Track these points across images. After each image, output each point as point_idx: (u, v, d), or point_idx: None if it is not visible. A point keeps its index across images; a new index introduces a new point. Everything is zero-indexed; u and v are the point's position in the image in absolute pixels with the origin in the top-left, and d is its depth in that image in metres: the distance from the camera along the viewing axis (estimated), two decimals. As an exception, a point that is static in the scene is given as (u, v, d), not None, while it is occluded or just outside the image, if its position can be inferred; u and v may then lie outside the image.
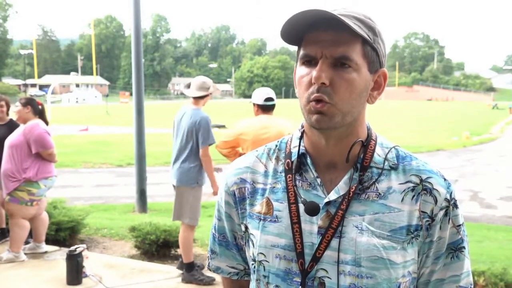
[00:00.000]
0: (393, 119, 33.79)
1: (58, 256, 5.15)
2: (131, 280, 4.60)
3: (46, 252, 5.26)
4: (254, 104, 4.21)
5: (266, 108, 4.16)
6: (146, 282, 4.55)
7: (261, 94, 4.21)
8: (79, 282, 4.44)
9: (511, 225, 8.46)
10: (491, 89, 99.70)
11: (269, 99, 4.17)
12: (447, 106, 61.59)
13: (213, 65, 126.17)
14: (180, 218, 4.55)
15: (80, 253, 4.48)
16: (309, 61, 1.03)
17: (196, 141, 4.41)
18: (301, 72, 1.05)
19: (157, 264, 5.05)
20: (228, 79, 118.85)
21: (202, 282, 4.45)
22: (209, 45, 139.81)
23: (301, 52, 1.05)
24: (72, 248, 4.57)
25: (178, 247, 5.28)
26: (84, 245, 4.79)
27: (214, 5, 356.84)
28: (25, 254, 5.09)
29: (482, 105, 64.93)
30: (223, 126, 26.21)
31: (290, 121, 4.22)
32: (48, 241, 5.44)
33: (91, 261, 4.81)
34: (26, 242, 5.22)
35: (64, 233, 5.63)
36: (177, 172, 4.49)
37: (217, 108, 43.27)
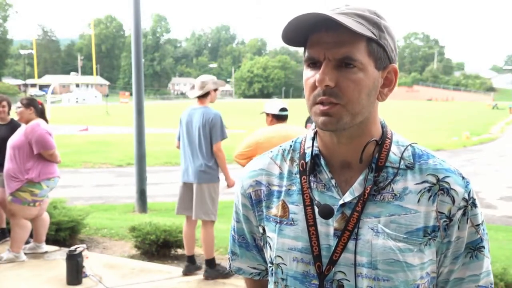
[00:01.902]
0: (393, 119, 33.79)
1: (58, 256, 5.15)
2: (131, 280, 4.60)
3: (46, 252, 5.26)
4: (267, 114, 4.27)
5: (281, 118, 4.24)
6: (146, 282, 4.55)
7: (275, 104, 4.32)
8: (79, 282, 4.44)
9: (511, 225, 8.46)
10: (491, 89, 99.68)
11: (284, 109, 4.26)
12: (447, 106, 61.60)
13: (213, 65, 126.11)
14: (201, 215, 4.62)
15: (80, 253, 4.48)
16: (314, 63, 1.02)
17: (210, 138, 4.55)
18: (307, 74, 1.03)
19: (157, 264, 5.05)
20: (228, 79, 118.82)
21: (227, 275, 4.59)
22: (209, 45, 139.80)
23: (306, 55, 1.03)
24: (72, 248, 4.57)
25: (178, 247, 5.29)
26: (84, 245, 4.79)
27: (214, 5, 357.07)
28: (25, 254, 5.09)
29: (482, 105, 64.92)
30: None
31: (303, 129, 4.30)
32: (48, 241, 5.44)
33: (91, 261, 4.82)
34: (27, 242, 5.22)
35: (64, 233, 5.63)
36: (197, 170, 4.58)
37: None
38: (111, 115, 38.61)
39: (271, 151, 1.20)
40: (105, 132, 25.17)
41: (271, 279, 1.15)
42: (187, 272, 4.69)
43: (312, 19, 0.97)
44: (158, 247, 5.26)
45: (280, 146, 1.20)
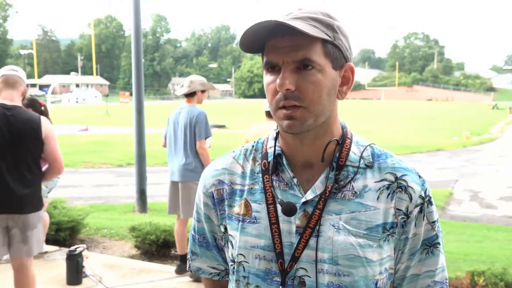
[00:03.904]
0: (393, 119, 33.77)
1: (58, 256, 5.16)
2: (131, 280, 4.61)
3: (46, 252, 5.26)
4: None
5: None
6: (146, 282, 4.55)
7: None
8: (79, 282, 4.45)
9: (511, 225, 8.46)
10: (491, 89, 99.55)
11: None
12: (447, 106, 61.58)
13: (213, 65, 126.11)
14: (188, 214, 4.66)
15: (80, 253, 4.49)
16: (272, 68, 1.04)
17: (195, 136, 4.54)
18: (267, 79, 1.06)
19: (157, 264, 5.05)
20: (228, 79, 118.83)
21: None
22: (209, 45, 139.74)
23: (264, 60, 1.06)
24: (72, 248, 4.58)
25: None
26: (84, 245, 4.79)
27: (214, 5, 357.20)
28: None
29: (482, 105, 64.93)
30: (223, 126, 26.19)
31: None
32: (48, 241, 5.44)
33: (91, 261, 4.82)
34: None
35: (64, 233, 5.62)
36: (182, 168, 4.61)
37: (217, 108, 43.19)
38: (111, 115, 38.58)
39: (234, 151, 1.23)
40: (105, 132, 25.15)
41: (232, 278, 1.17)
42: (179, 271, 4.70)
43: (268, 26, 1.00)
44: (158, 247, 5.27)
45: (243, 146, 1.22)
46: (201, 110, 4.60)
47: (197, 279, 4.50)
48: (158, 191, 10.60)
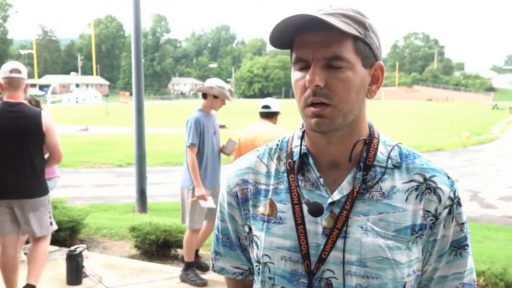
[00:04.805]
0: (393, 119, 33.77)
1: (58, 256, 5.15)
2: (131, 280, 4.60)
3: (46, 252, 5.26)
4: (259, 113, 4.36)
5: (263, 115, 4.30)
6: (146, 282, 4.55)
7: (262, 102, 4.35)
8: (79, 282, 4.44)
9: (511, 225, 8.46)
10: (491, 89, 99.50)
11: (265, 106, 4.30)
12: (447, 106, 61.55)
13: (213, 65, 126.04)
14: (184, 220, 4.59)
15: (80, 253, 4.49)
16: (302, 64, 1.02)
17: None
18: (295, 76, 1.04)
19: (157, 264, 5.05)
20: (228, 79, 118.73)
21: (193, 283, 4.46)
22: (209, 45, 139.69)
23: (293, 56, 1.04)
24: (72, 248, 4.57)
25: (178, 247, 5.29)
26: (84, 245, 4.79)
27: (214, 5, 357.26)
28: (25, 254, 5.09)
29: (482, 105, 64.89)
30: (223, 126, 26.18)
31: (282, 129, 4.28)
32: (48, 241, 5.44)
33: (91, 261, 4.82)
34: (27, 242, 5.22)
35: (64, 233, 5.62)
36: (181, 173, 4.57)
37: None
38: (111, 115, 38.54)
39: (257, 150, 1.21)
40: (105, 132, 25.13)
41: (257, 278, 1.15)
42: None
43: (299, 20, 0.98)
44: (158, 247, 5.26)
45: (267, 145, 1.20)
46: (192, 116, 4.39)
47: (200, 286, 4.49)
48: (158, 191, 10.61)
